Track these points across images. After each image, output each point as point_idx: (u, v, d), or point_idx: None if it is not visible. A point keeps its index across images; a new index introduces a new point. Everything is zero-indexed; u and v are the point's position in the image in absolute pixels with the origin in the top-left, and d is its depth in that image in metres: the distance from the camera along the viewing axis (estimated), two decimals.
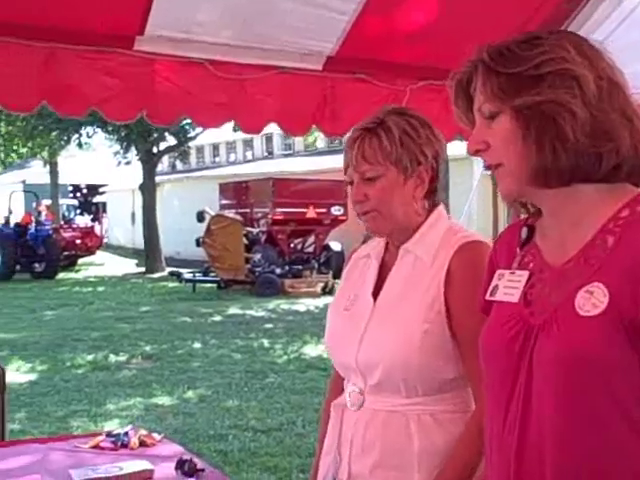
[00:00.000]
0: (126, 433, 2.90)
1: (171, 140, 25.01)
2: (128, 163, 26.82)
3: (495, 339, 1.34)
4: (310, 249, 19.52)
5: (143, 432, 2.97)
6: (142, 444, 2.85)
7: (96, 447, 2.82)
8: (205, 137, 27.58)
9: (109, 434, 2.92)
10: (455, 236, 1.83)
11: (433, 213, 1.89)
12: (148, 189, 24.13)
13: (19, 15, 3.17)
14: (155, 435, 2.97)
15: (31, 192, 27.17)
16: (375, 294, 1.87)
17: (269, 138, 31.74)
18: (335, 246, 18.85)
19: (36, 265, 22.25)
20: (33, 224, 23.18)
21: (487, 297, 1.43)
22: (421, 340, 1.74)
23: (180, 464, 2.55)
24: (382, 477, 1.77)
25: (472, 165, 12.43)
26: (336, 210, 18.87)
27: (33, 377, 8.53)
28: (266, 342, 10.76)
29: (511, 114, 1.27)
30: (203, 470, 2.56)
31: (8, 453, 2.85)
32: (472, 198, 5.20)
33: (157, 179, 25.56)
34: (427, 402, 1.78)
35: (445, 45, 3.61)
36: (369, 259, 1.96)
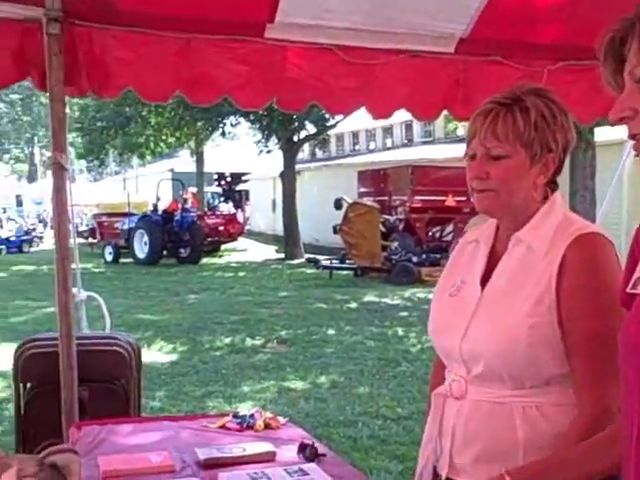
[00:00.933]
0: (252, 415, 2.95)
1: (311, 128, 25.35)
2: (269, 152, 27.41)
3: (637, 336, 1.23)
4: (448, 237, 19.25)
5: (269, 415, 3.01)
6: (267, 427, 2.89)
7: (223, 427, 2.89)
8: (345, 125, 27.76)
9: (236, 415, 2.97)
10: (571, 227, 1.72)
11: (548, 201, 1.79)
12: (288, 177, 24.60)
13: (154, 7, 3.28)
14: (280, 418, 3.00)
15: (178, 180, 28.35)
16: (483, 282, 1.80)
17: (409, 125, 31.55)
18: None
19: (181, 250, 23.19)
20: (179, 211, 24.12)
21: (628, 290, 1.30)
22: (528, 334, 1.66)
23: (302, 448, 2.56)
24: (485, 470, 1.70)
25: (622, 151, 11.81)
26: None
27: (174, 357, 8.89)
28: (400, 330, 10.71)
29: None
30: (324, 455, 2.56)
31: (142, 429, 2.97)
32: (616, 184, 4.92)
33: (297, 167, 26.00)
34: (533, 394, 1.69)
35: (587, 21, 3.42)
36: (478, 244, 1.89)
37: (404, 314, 12.26)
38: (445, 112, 3.88)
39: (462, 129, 27.08)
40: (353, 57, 3.54)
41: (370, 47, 3.56)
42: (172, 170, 39.19)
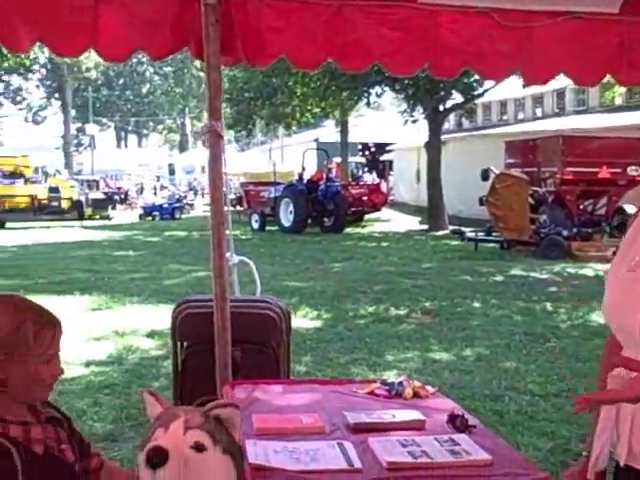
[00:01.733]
0: (400, 383, 2.96)
1: (458, 97, 24.86)
2: (415, 121, 27.14)
3: None
4: (601, 211, 18.44)
5: (417, 384, 3.00)
6: (415, 395, 2.88)
7: (371, 393, 2.91)
8: (493, 94, 27.05)
9: (384, 382, 2.99)
10: None
11: None
12: (433, 147, 24.30)
13: None
14: (429, 388, 2.99)
15: (323, 150, 28.64)
16: None
17: (560, 94, 30.30)
18: (630, 209, 17.55)
19: (325, 220, 23.51)
20: (324, 181, 24.39)
21: None
22: None
23: (452, 418, 2.54)
24: None
25: None
26: (633, 170, 17.56)
27: (319, 324, 9.03)
28: (549, 305, 10.39)
29: None
30: (474, 427, 2.52)
31: (293, 390, 3.05)
32: None
33: (442, 137, 25.62)
34: None
35: None
36: None
37: (553, 289, 11.88)
38: (607, 78, 3.68)
39: (620, 98, 25.67)
40: (509, 20, 3.41)
41: (527, 9, 3.42)
42: (317, 140, 39.64)
